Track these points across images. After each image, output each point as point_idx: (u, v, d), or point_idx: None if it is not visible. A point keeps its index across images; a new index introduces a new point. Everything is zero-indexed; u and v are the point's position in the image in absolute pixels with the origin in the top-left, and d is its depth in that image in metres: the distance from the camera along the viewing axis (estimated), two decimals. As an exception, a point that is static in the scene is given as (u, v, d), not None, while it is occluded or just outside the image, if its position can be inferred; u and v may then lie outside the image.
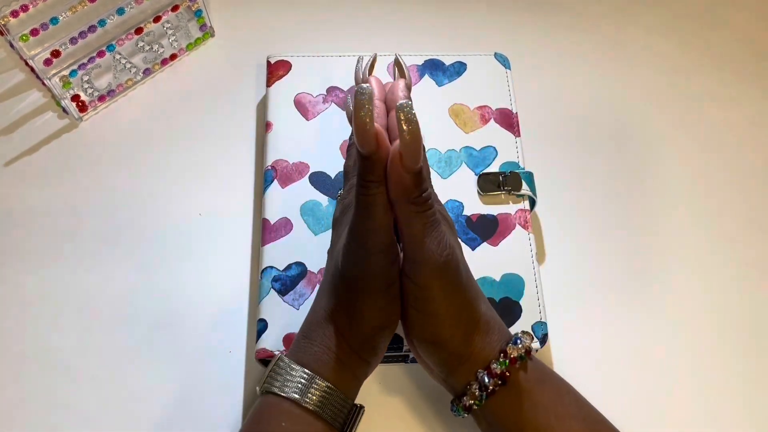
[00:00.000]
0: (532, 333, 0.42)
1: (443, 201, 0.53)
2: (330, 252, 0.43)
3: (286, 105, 0.56)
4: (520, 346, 0.40)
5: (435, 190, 0.47)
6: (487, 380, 0.39)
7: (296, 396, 0.38)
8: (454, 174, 0.54)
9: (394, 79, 0.50)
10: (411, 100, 0.38)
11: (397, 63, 0.47)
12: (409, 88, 0.44)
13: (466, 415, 0.41)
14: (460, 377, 0.41)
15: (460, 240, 0.50)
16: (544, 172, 0.57)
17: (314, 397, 0.38)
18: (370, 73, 0.48)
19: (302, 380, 0.39)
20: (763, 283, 0.55)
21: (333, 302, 0.40)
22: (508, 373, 0.39)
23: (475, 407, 0.40)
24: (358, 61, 0.48)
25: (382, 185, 0.37)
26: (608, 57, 0.65)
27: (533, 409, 0.39)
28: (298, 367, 0.39)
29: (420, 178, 0.36)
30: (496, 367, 0.39)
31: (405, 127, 0.34)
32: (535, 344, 0.48)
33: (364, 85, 0.34)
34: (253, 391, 0.49)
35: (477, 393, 0.40)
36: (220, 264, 0.54)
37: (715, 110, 0.63)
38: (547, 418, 0.39)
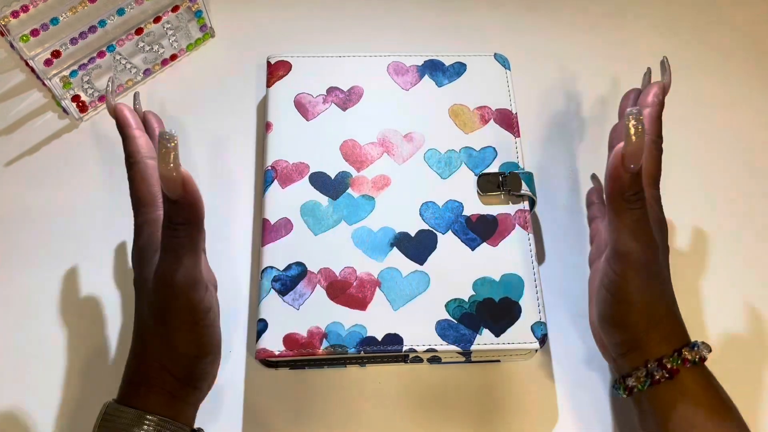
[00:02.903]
0: (709, 346, 0.43)
1: (443, 201, 0.53)
2: (136, 287, 0.43)
3: (286, 105, 0.56)
4: (695, 350, 0.42)
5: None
6: (656, 371, 0.42)
7: None
8: (454, 174, 0.54)
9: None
10: (662, 105, 0.46)
11: (662, 64, 0.50)
12: (665, 91, 0.49)
13: (625, 395, 0.44)
14: (630, 361, 0.43)
15: (459, 237, 0.50)
16: (544, 172, 0.57)
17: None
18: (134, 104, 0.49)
19: (132, 420, 0.39)
20: (763, 283, 0.55)
21: (149, 340, 0.41)
22: (677, 371, 0.41)
23: (637, 390, 0.43)
24: (108, 84, 0.47)
25: (188, 226, 0.38)
26: (608, 56, 0.65)
27: (693, 411, 0.41)
28: (126, 409, 0.40)
29: (637, 179, 0.40)
30: (668, 362, 0.42)
31: (632, 132, 0.37)
32: (534, 344, 0.48)
33: (169, 132, 0.35)
34: (254, 390, 0.49)
35: (642, 378, 0.42)
36: (220, 264, 0.54)
37: (715, 110, 0.63)
38: (704, 423, 0.41)
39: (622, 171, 0.39)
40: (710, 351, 0.42)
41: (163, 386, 0.41)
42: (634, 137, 0.37)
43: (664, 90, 0.48)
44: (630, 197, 0.40)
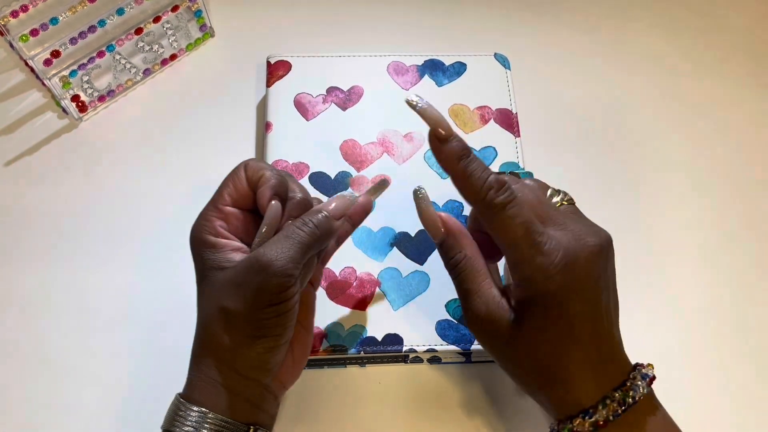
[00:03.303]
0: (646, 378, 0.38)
1: (443, 201, 0.53)
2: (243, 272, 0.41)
3: (286, 105, 0.56)
4: (590, 419, 0.37)
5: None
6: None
7: None
8: (454, 174, 0.54)
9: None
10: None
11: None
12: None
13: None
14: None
15: None
16: (544, 172, 0.57)
17: (203, 430, 0.38)
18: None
19: (196, 418, 0.39)
20: (763, 283, 0.55)
21: (203, 323, 0.40)
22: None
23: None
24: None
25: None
26: (608, 57, 0.65)
27: None
28: (183, 403, 0.39)
29: (440, 250, 0.42)
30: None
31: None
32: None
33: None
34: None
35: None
36: (220, 264, 0.54)
37: (715, 110, 0.63)
38: None
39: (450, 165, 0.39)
40: (653, 379, 0.39)
41: (217, 376, 0.39)
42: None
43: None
44: (488, 190, 0.38)
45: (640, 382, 0.38)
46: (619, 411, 0.37)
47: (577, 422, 0.37)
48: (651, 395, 0.39)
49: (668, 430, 0.39)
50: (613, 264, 0.40)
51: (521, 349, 0.38)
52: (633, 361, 0.40)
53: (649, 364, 0.39)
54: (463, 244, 0.40)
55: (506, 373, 0.42)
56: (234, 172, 0.42)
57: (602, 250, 0.38)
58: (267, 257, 0.38)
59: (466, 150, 0.38)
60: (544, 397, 0.40)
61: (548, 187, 0.42)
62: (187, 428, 0.38)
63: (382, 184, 0.45)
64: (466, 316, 0.40)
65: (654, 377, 0.39)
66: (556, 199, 0.41)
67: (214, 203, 0.42)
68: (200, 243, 0.40)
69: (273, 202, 0.40)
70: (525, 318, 0.38)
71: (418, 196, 0.41)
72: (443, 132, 0.38)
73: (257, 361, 0.39)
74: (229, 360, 0.39)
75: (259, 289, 0.37)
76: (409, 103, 0.39)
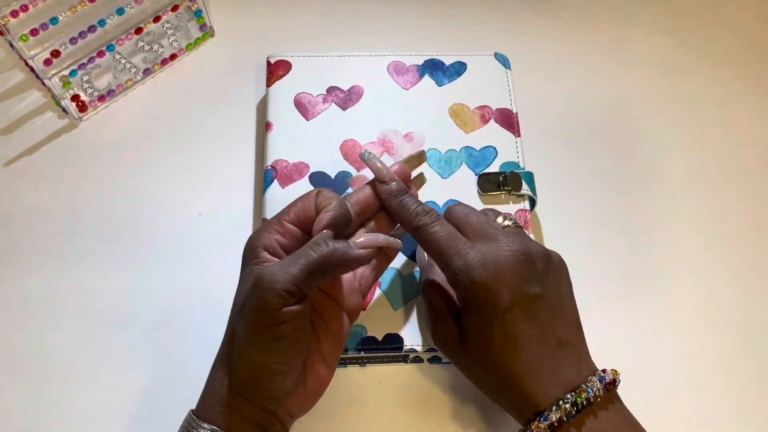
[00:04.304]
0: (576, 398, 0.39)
1: (443, 201, 0.53)
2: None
3: (286, 105, 0.56)
4: (546, 422, 0.39)
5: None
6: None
7: None
8: (454, 174, 0.54)
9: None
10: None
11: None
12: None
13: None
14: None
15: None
16: (544, 172, 0.57)
17: None
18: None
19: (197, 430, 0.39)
20: (764, 283, 0.55)
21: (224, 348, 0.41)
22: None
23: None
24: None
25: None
26: (608, 57, 0.65)
27: None
28: (194, 419, 0.40)
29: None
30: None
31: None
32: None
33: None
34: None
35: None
36: (220, 264, 0.53)
37: (715, 110, 0.63)
38: None
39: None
40: (612, 381, 0.40)
41: (225, 398, 0.40)
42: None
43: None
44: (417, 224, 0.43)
45: (595, 385, 0.39)
46: (573, 412, 0.39)
47: (534, 425, 0.39)
48: (611, 398, 0.41)
49: (630, 430, 0.40)
50: (560, 277, 0.43)
51: (472, 354, 0.42)
52: (613, 366, 0.42)
53: (613, 370, 0.41)
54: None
55: (474, 384, 0.45)
56: (307, 194, 0.43)
57: (527, 256, 0.41)
58: (266, 272, 0.37)
59: (402, 189, 0.44)
60: (504, 401, 0.42)
61: (499, 213, 0.46)
62: None
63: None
64: (434, 339, 0.46)
65: (614, 380, 0.40)
66: (501, 221, 0.45)
67: (279, 217, 0.42)
68: (250, 252, 0.41)
69: (324, 231, 0.40)
70: (468, 323, 0.42)
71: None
72: (385, 177, 0.44)
73: (258, 388, 0.39)
74: (235, 383, 0.39)
75: (256, 308, 0.37)
76: (361, 156, 0.45)
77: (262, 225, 0.43)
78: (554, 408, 0.39)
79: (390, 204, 0.44)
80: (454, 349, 0.44)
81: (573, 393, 0.39)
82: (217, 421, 0.39)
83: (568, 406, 0.39)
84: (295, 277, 0.37)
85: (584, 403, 0.39)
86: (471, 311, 0.42)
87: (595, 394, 0.39)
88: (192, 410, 0.41)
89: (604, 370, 0.41)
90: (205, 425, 0.39)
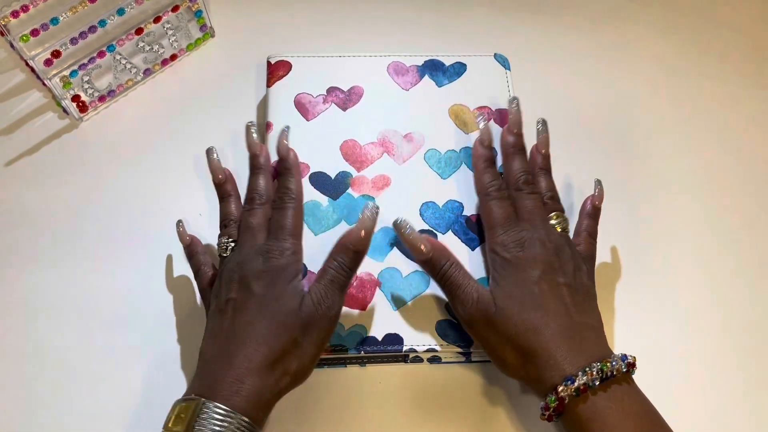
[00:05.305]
0: (618, 363, 0.42)
1: (443, 201, 0.53)
2: (259, 297, 0.45)
3: (286, 105, 0.56)
4: (573, 384, 0.41)
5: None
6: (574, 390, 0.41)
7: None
8: (454, 174, 0.54)
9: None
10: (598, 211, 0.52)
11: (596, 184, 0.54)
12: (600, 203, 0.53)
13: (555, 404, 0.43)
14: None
15: (459, 238, 0.51)
16: (544, 172, 0.57)
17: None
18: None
19: (223, 418, 0.40)
20: (764, 281, 0.55)
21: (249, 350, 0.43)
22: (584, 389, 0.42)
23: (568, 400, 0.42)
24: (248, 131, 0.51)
25: (353, 271, 0.46)
26: (608, 57, 0.65)
27: (620, 419, 0.41)
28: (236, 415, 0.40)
29: (428, 265, 0.47)
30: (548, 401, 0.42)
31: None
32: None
33: (369, 205, 0.46)
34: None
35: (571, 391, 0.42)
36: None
37: (715, 110, 0.63)
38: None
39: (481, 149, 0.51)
40: (633, 364, 0.43)
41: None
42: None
43: (599, 204, 0.52)
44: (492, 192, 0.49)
45: (618, 361, 0.42)
46: (598, 380, 0.41)
47: (561, 388, 0.41)
48: (630, 378, 0.43)
49: (645, 408, 0.43)
50: (585, 269, 0.47)
51: (502, 321, 0.44)
52: (645, 367, 0.45)
53: (632, 356, 0.44)
54: (448, 254, 0.47)
55: (495, 362, 0.46)
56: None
57: (561, 250, 0.46)
58: (324, 306, 0.45)
59: (491, 158, 0.52)
60: (530, 368, 0.44)
61: (555, 212, 0.49)
62: (213, 428, 0.39)
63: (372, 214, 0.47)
64: (458, 305, 0.46)
65: (634, 363, 0.43)
66: (553, 222, 0.48)
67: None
68: (288, 272, 0.45)
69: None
70: (499, 295, 0.45)
71: (398, 224, 0.47)
72: (485, 141, 0.52)
73: (303, 375, 0.45)
74: (284, 384, 0.44)
75: (327, 334, 0.46)
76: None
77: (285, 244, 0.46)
78: (580, 374, 0.41)
79: (478, 165, 0.52)
80: (483, 319, 0.45)
81: (599, 362, 0.42)
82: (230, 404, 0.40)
83: (594, 372, 0.41)
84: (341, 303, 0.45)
85: (609, 374, 0.41)
86: (502, 273, 0.46)
87: (617, 368, 0.42)
88: (195, 394, 0.41)
89: (624, 354, 0.43)
90: (244, 418, 0.40)
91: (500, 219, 0.48)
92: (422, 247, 0.46)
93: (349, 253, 0.45)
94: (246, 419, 0.40)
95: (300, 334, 0.43)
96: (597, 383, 0.41)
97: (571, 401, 0.41)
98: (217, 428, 0.39)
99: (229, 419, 0.39)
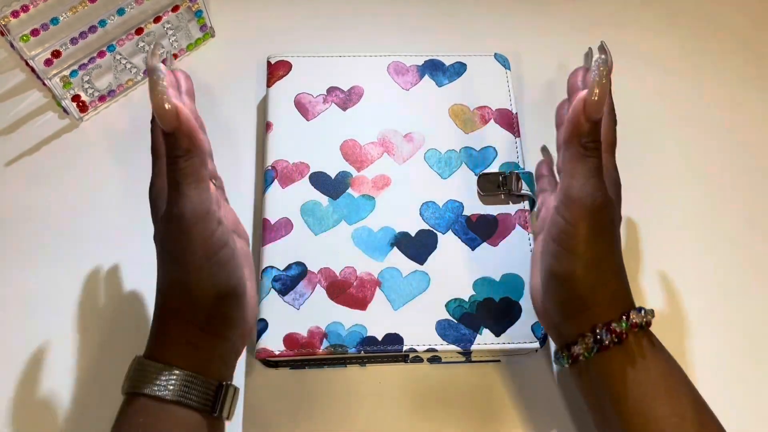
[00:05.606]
0: (653, 311, 0.42)
1: (443, 201, 0.53)
2: (156, 241, 0.41)
3: (287, 105, 0.56)
4: (643, 314, 0.41)
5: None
6: (604, 335, 0.40)
7: (151, 391, 0.38)
8: (454, 174, 0.54)
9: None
10: (609, 65, 0.41)
11: (601, 48, 0.45)
12: (610, 70, 0.42)
13: (568, 363, 0.43)
14: (576, 326, 0.42)
15: (459, 237, 0.51)
16: (544, 172, 0.57)
17: (170, 387, 0.38)
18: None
19: (156, 372, 0.39)
20: (763, 283, 0.55)
21: (166, 289, 0.40)
22: (626, 335, 0.40)
23: (583, 358, 0.41)
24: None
25: (188, 156, 0.38)
26: (608, 57, 0.65)
27: (644, 375, 0.40)
28: (152, 363, 0.39)
29: (596, 128, 0.40)
30: (616, 326, 0.40)
31: (596, 84, 0.39)
32: (535, 344, 0.48)
33: (160, 66, 0.37)
34: (254, 390, 0.49)
35: (590, 344, 0.41)
36: (220, 264, 0.54)
37: (715, 110, 0.63)
38: (656, 387, 0.40)
39: (582, 118, 0.40)
40: (654, 316, 0.42)
41: (184, 336, 0.40)
42: (597, 89, 0.39)
43: (609, 69, 0.45)
44: (587, 144, 0.40)
45: (650, 311, 0.42)
46: (644, 322, 0.41)
47: (633, 314, 0.41)
48: (650, 333, 0.42)
49: (669, 360, 0.42)
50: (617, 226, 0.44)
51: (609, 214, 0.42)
52: None
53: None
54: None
55: (567, 250, 0.42)
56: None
57: (609, 203, 0.42)
58: (187, 208, 0.38)
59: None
60: (591, 296, 0.41)
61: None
62: (161, 389, 0.38)
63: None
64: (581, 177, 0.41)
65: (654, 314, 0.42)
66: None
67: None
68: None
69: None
70: (559, 215, 0.42)
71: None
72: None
73: (225, 317, 0.40)
74: (200, 319, 0.40)
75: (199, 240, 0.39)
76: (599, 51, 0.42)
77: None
78: (624, 318, 0.41)
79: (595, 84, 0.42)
80: (602, 202, 0.42)
81: (635, 311, 0.41)
82: (181, 362, 0.39)
83: (638, 319, 0.41)
84: (198, 200, 0.38)
85: (643, 323, 0.41)
86: (564, 207, 0.41)
87: (648, 320, 0.41)
88: (144, 355, 0.40)
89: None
90: (176, 371, 0.39)
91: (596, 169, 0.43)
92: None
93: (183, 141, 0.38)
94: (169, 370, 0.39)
95: None
96: (651, 319, 0.41)
97: (633, 335, 0.41)
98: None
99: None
